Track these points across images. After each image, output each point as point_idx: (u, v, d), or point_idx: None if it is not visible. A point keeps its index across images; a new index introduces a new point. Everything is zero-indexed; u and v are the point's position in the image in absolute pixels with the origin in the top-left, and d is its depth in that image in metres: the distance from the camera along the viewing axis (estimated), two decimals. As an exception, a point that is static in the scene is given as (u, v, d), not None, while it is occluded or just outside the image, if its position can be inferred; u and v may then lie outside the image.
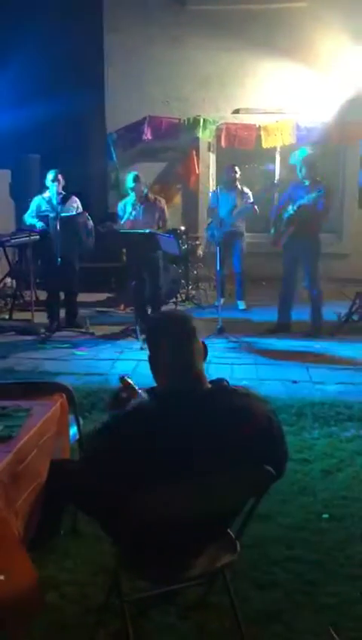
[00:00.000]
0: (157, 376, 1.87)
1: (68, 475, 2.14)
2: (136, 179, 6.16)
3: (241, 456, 1.77)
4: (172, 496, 1.75)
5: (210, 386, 1.82)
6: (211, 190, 7.52)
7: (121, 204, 6.45)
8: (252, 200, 7.13)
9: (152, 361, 1.87)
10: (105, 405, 2.24)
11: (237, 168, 7.19)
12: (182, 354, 1.80)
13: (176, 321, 1.87)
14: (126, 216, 6.25)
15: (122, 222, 6.34)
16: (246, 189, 7.19)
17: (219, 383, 1.83)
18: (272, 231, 6.21)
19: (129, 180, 6.23)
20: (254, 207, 7.03)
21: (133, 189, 6.17)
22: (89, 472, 1.88)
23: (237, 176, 7.15)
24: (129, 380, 2.21)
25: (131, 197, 6.24)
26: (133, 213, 6.16)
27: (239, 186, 7.17)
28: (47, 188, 6.16)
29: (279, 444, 1.86)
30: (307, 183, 5.79)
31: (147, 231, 5.86)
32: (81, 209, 6.29)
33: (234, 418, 1.77)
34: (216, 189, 6.87)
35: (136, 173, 6.33)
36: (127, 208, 6.27)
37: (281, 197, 6.31)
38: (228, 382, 1.85)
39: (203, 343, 1.86)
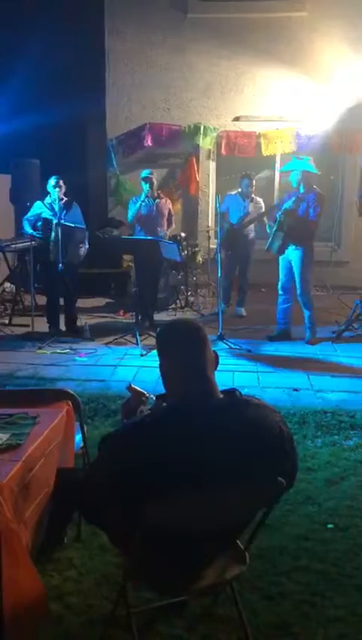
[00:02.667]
0: (168, 384, 1.85)
1: (75, 486, 2.11)
2: (150, 172, 6.53)
3: (253, 467, 1.75)
4: (182, 508, 1.72)
5: (221, 396, 1.80)
6: (215, 196, 7.54)
7: (133, 199, 6.65)
8: (263, 210, 7.15)
9: (163, 369, 1.84)
10: (121, 415, 2.24)
11: (254, 181, 7.20)
12: (195, 363, 1.77)
13: (188, 330, 1.83)
14: (136, 206, 6.46)
15: (132, 213, 6.54)
16: (258, 198, 7.21)
17: (231, 393, 1.81)
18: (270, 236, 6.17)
19: (144, 173, 6.54)
20: (264, 219, 7.08)
21: (146, 180, 6.41)
22: (96, 483, 1.85)
23: (253, 189, 7.17)
24: (135, 387, 2.22)
25: (145, 190, 6.43)
26: (146, 201, 6.38)
27: (253, 195, 7.20)
28: (49, 193, 6.14)
29: (290, 456, 1.84)
30: (302, 190, 5.80)
31: (149, 238, 5.86)
32: (80, 220, 6.23)
33: (247, 429, 1.75)
34: (218, 195, 6.88)
35: (149, 170, 6.70)
36: (140, 198, 6.49)
37: (279, 204, 6.33)
38: (239, 392, 1.83)
39: (214, 352, 1.84)
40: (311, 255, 5.93)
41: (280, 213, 5.80)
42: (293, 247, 5.84)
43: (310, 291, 6.03)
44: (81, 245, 6.08)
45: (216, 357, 1.85)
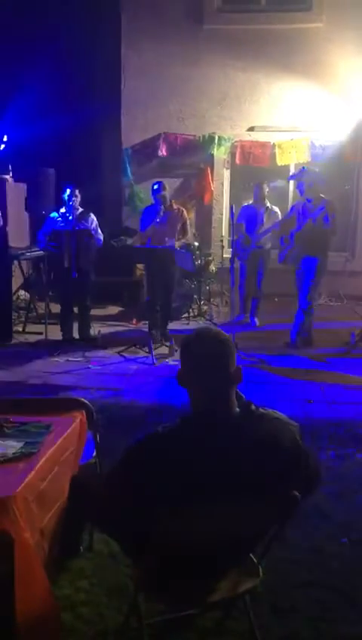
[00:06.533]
0: (188, 393, 1.83)
1: (90, 495, 2.11)
2: (163, 186, 6.32)
3: (266, 481, 1.74)
4: (196, 520, 1.72)
5: (238, 410, 1.78)
6: (229, 206, 7.56)
7: (146, 209, 6.46)
8: (280, 217, 7.15)
9: (182, 378, 1.80)
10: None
11: (265, 186, 7.20)
12: (212, 376, 1.74)
13: (210, 341, 1.78)
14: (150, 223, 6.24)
15: (145, 229, 6.34)
16: (275, 208, 7.21)
17: (246, 406, 1.80)
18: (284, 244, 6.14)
19: (155, 187, 6.34)
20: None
21: (159, 196, 6.24)
22: (112, 495, 1.85)
23: (266, 193, 7.18)
24: None
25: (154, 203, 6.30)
26: (158, 220, 6.14)
27: (268, 204, 7.19)
28: (64, 203, 6.19)
29: (306, 469, 1.82)
30: (312, 200, 5.82)
31: (163, 246, 5.87)
32: (96, 226, 6.29)
33: (260, 443, 1.74)
34: (231, 206, 6.89)
35: (161, 181, 6.48)
36: (152, 216, 6.24)
37: (287, 213, 6.37)
38: (255, 405, 1.81)
39: (237, 367, 1.78)
40: (324, 264, 5.94)
41: (298, 227, 5.79)
42: (308, 256, 5.85)
43: (313, 299, 6.06)
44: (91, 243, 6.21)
45: (238, 372, 1.79)
